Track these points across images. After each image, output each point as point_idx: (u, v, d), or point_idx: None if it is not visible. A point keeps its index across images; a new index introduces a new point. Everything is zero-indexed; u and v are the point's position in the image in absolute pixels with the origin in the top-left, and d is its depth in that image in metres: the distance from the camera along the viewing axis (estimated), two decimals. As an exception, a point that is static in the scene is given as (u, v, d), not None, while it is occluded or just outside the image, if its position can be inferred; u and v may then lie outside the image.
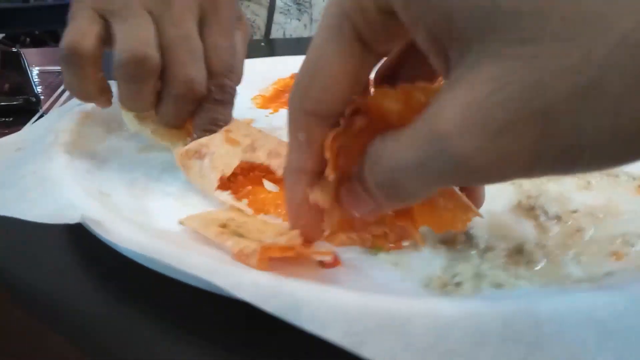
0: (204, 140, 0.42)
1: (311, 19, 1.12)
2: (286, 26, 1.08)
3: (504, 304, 0.22)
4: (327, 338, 0.22)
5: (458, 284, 0.27)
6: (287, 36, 1.10)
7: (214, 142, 0.41)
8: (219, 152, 0.39)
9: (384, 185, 0.23)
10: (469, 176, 0.20)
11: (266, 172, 0.40)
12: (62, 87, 0.66)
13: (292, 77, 0.69)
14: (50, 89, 0.68)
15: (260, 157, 0.40)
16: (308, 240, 0.29)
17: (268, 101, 0.61)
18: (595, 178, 0.41)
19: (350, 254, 0.31)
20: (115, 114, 0.50)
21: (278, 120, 0.55)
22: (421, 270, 0.29)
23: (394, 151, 0.22)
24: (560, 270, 0.29)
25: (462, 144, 0.18)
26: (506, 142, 0.18)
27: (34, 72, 0.75)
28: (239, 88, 0.64)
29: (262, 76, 0.67)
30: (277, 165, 0.40)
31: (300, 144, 0.26)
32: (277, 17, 1.07)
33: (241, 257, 0.28)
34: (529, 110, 0.17)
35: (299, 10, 1.08)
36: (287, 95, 0.63)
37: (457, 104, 0.19)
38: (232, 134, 0.42)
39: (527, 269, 0.29)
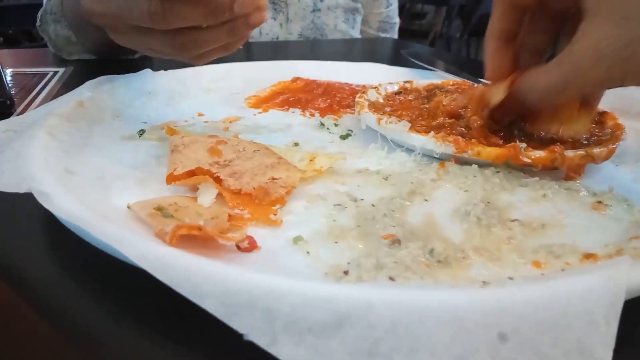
0: (187, 141, 0.44)
1: (287, 18, 1.14)
2: (262, 25, 1.11)
3: (369, 291, 0.23)
4: (203, 307, 0.24)
5: (346, 272, 0.28)
6: (263, 34, 1.12)
7: (195, 144, 0.43)
8: (187, 154, 0.42)
9: (539, 97, 0.42)
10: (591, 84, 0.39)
11: (218, 182, 0.39)
12: (37, 89, 0.66)
13: (292, 80, 0.71)
14: (25, 90, 0.67)
15: (223, 172, 0.40)
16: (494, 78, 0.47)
17: (261, 101, 0.64)
18: (553, 191, 0.41)
19: (273, 241, 0.33)
20: (110, 105, 0.55)
21: (264, 120, 0.58)
22: (329, 260, 0.30)
23: (546, 76, 0.40)
24: (464, 272, 0.30)
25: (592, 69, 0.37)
26: (613, 68, 0.36)
27: (7, 73, 0.74)
28: (236, 90, 0.67)
29: (260, 78, 0.70)
30: (233, 182, 0.39)
31: (500, 18, 0.46)
32: None
33: (160, 234, 0.30)
34: (622, 55, 0.36)
35: (275, 9, 1.11)
36: (282, 97, 0.65)
37: (589, 47, 0.37)
38: (225, 145, 0.44)
39: (432, 268, 0.30)
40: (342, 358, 0.22)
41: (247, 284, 0.24)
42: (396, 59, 0.85)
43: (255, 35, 1.12)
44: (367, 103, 0.56)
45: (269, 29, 1.12)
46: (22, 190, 0.33)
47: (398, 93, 0.63)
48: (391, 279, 0.28)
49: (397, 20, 1.37)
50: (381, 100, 0.60)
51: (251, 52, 1.01)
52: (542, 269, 0.31)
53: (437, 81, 0.65)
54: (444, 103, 0.53)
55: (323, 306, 0.23)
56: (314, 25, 1.17)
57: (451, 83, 0.64)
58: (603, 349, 0.22)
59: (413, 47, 1.14)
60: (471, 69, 0.78)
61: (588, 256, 0.32)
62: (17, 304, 0.29)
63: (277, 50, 1.06)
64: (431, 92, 0.61)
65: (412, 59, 0.83)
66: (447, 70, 0.77)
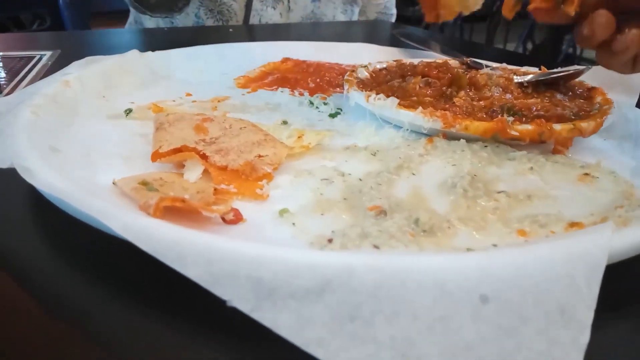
0: (172, 118, 0.44)
1: (289, 7, 1.13)
2: (263, 13, 1.10)
3: (351, 257, 0.23)
4: (187, 275, 0.24)
5: (330, 241, 0.28)
6: (263, 23, 1.12)
7: (181, 122, 0.43)
8: (173, 132, 0.41)
9: None
10: None
11: (204, 159, 0.39)
12: (24, 72, 0.67)
13: (282, 61, 0.71)
14: (12, 73, 0.68)
15: (209, 149, 0.40)
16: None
17: (250, 81, 0.63)
18: (540, 164, 0.41)
19: (259, 214, 0.33)
20: (96, 85, 0.54)
21: (252, 100, 0.57)
22: (315, 231, 0.30)
23: None
24: (449, 241, 0.30)
25: None
26: None
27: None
28: (224, 71, 0.66)
29: (250, 59, 0.69)
30: (219, 159, 0.38)
31: None
32: (255, 3, 1.09)
33: (144, 207, 0.30)
34: None
35: None
36: (271, 77, 0.65)
37: None
38: (211, 123, 0.44)
39: (417, 237, 0.30)
40: (324, 322, 0.22)
41: (230, 251, 0.24)
42: (393, 42, 0.85)
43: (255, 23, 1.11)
44: (356, 81, 0.55)
45: (268, 17, 1.12)
46: (4, 165, 0.33)
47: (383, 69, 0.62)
48: (375, 247, 0.28)
49: (394, 11, 1.37)
50: (369, 78, 0.59)
51: (253, 35, 1.00)
52: (527, 238, 0.31)
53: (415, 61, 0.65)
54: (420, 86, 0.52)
55: (306, 272, 0.23)
56: (313, 15, 1.17)
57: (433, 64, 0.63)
58: (584, 310, 0.22)
59: (405, 28, 1.13)
60: (462, 49, 0.77)
61: (573, 225, 0.32)
62: (0, 279, 0.29)
63: (273, 33, 1.05)
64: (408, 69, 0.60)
65: (403, 39, 0.83)
66: (438, 50, 0.77)
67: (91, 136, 0.44)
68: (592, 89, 0.53)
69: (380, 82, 0.57)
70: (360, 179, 0.38)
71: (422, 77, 0.53)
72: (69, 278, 0.29)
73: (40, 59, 0.75)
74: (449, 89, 0.51)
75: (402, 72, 0.59)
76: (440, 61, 0.56)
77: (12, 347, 0.25)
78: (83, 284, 0.29)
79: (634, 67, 0.47)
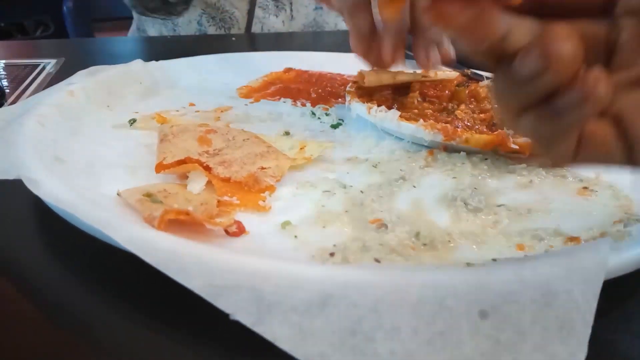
0: (176, 130, 0.45)
1: (291, 16, 1.14)
2: (264, 21, 1.11)
3: (353, 272, 0.24)
4: (190, 288, 0.24)
5: (332, 254, 0.29)
6: (265, 31, 1.13)
7: (184, 133, 0.44)
8: (177, 144, 0.42)
9: None
10: None
11: (208, 170, 0.39)
12: (28, 80, 0.67)
13: (285, 71, 0.71)
14: (17, 81, 0.67)
15: (212, 161, 0.40)
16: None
17: (253, 91, 0.64)
18: (540, 177, 0.42)
19: (261, 226, 0.33)
20: (101, 95, 0.55)
21: (255, 110, 0.58)
22: (316, 243, 0.31)
23: None
24: (449, 255, 0.30)
25: None
26: None
27: (0, 65, 0.75)
28: (227, 80, 0.67)
29: (253, 68, 0.70)
30: (222, 170, 0.39)
31: None
32: (257, 11, 1.09)
33: (149, 219, 0.30)
34: None
35: (277, 6, 1.11)
36: (273, 87, 0.66)
37: None
38: (214, 134, 0.44)
39: (418, 251, 0.30)
40: (325, 336, 0.22)
41: (233, 265, 0.25)
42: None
43: (257, 32, 1.12)
44: (358, 92, 0.56)
45: (270, 25, 1.12)
46: (10, 176, 0.34)
47: None
48: (376, 260, 0.28)
49: None
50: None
51: (254, 44, 1.01)
52: (526, 252, 0.31)
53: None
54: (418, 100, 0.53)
55: (308, 286, 0.24)
56: (315, 23, 1.18)
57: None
58: (582, 326, 0.23)
59: (408, 39, 1.14)
60: (463, 60, 0.78)
61: (572, 239, 0.32)
62: (4, 288, 0.29)
63: (275, 42, 1.06)
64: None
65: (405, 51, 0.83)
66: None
67: (95, 146, 0.44)
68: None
69: (374, 91, 0.57)
70: (362, 191, 0.38)
71: (420, 95, 0.54)
72: (73, 287, 0.30)
73: (44, 67, 0.75)
74: (450, 104, 0.51)
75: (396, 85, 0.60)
76: (434, 76, 0.55)
77: (14, 354, 0.26)
78: (86, 294, 0.29)
79: (577, 152, 0.24)
